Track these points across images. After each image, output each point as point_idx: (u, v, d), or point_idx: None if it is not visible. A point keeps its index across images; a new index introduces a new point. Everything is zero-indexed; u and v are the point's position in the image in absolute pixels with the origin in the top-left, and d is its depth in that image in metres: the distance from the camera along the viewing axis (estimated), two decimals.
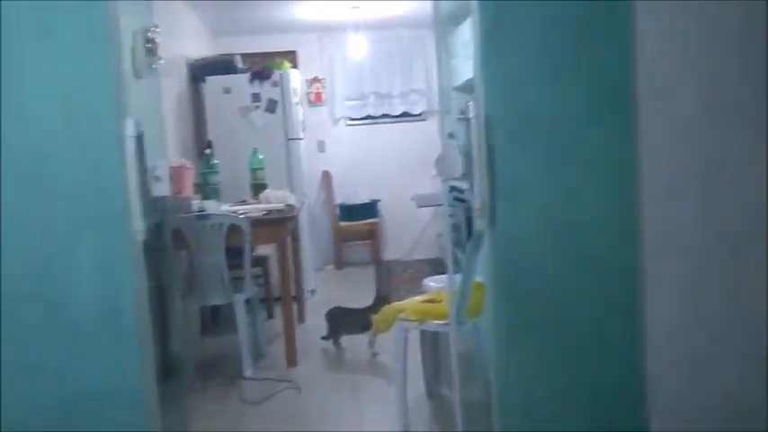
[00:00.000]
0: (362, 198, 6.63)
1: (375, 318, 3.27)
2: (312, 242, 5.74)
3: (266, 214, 3.85)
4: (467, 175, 3.33)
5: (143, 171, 2.47)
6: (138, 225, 2.37)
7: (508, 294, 2.44)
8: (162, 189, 2.96)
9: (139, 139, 2.41)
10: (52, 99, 2.33)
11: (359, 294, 4.87)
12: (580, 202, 2.44)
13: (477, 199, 2.43)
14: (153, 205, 3.04)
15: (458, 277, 2.56)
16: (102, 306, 2.38)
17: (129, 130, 2.31)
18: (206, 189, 4.14)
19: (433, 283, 3.47)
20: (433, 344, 3.09)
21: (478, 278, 2.66)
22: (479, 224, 2.53)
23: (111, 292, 2.38)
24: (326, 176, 6.68)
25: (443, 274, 4.26)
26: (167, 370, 3.25)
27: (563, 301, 2.44)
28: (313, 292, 5.35)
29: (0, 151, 2.30)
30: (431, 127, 6.55)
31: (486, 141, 2.38)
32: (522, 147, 2.42)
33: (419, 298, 3.03)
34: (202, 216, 3.59)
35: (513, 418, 2.46)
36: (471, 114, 2.42)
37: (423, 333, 3.02)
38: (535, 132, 2.42)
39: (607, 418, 2.43)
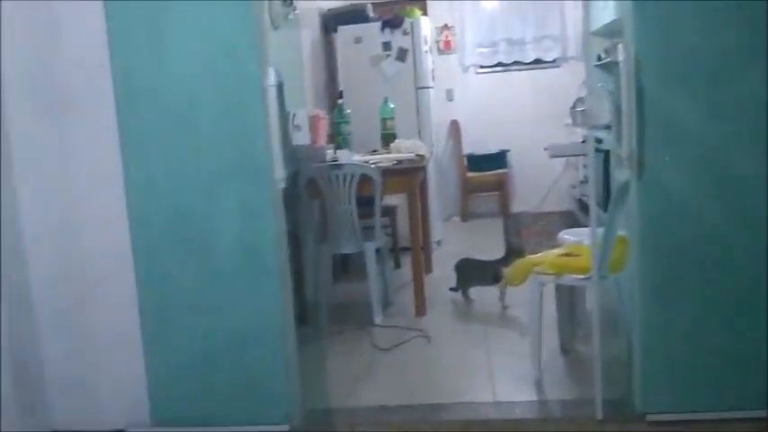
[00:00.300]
0: (491, 148, 6.49)
1: (508, 270, 3.21)
2: (438, 193, 5.71)
3: (397, 164, 3.84)
4: (611, 123, 3.17)
5: (284, 120, 2.51)
6: (279, 173, 2.42)
7: (656, 248, 2.31)
8: (302, 138, 3.01)
9: (280, 88, 2.45)
10: (196, 52, 2.40)
11: (485, 246, 4.81)
12: (741, 149, 2.25)
13: (625, 148, 2.29)
14: (292, 154, 3.11)
15: (600, 230, 2.44)
16: (244, 250, 2.48)
17: (271, 79, 2.35)
18: (338, 139, 4.19)
19: (568, 236, 3.36)
20: (569, 299, 3.00)
21: (621, 232, 2.53)
22: (625, 175, 2.39)
23: (253, 237, 2.47)
24: (455, 126, 6.59)
25: (576, 226, 4.13)
26: (302, 315, 3.35)
27: (718, 256, 2.28)
28: (439, 243, 5.34)
29: (137, 102, 2.42)
30: (565, 74, 6.28)
31: (637, 86, 2.23)
32: (678, 91, 2.25)
33: (555, 251, 2.93)
34: (335, 166, 3.64)
35: (656, 376, 2.35)
36: (620, 58, 2.26)
37: (558, 287, 2.94)
38: (693, 76, 2.24)
39: (757, 380, 2.28)
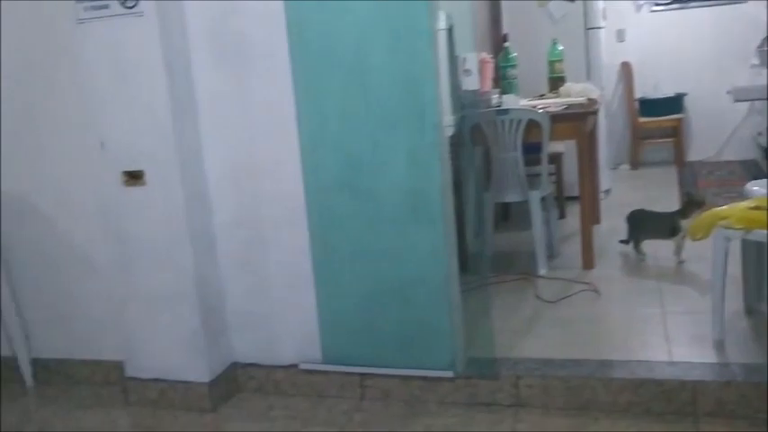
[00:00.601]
0: (665, 91, 6.05)
1: (690, 224, 3.00)
2: (607, 139, 5.42)
3: (566, 109, 3.67)
4: None
5: (453, 65, 2.46)
6: (448, 119, 2.38)
7: None
8: (472, 83, 2.94)
9: (450, 32, 2.39)
10: None
11: (656, 197, 4.53)
12: None
13: None
14: (460, 100, 3.05)
15: None
16: (410, 196, 2.48)
17: (441, 23, 2.29)
18: (504, 83, 4.06)
19: (758, 188, 3.07)
20: (757, 256, 2.75)
21: None
22: None
23: (420, 184, 2.46)
24: (626, 68, 6.19)
25: (761, 177, 3.76)
26: (463, 263, 3.33)
27: None
28: (607, 192, 5.10)
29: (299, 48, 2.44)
30: (751, 9, 5.67)
31: None
32: None
33: (744, 204, 2.68)
34: (501, 111, 3.53)
35: None
36: None
37: (745, 243, 2.70)
38: None
39: None
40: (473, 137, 3.56)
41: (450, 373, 2.50)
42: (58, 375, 3.03)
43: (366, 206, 2.52)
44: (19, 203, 2.90)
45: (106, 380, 2.93)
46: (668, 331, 2.75)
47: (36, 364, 3.05)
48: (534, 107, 3.67)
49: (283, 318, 2.70)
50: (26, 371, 3.03)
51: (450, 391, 2.51)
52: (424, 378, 2.53)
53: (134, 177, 2.53)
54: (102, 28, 2.45)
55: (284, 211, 2.61)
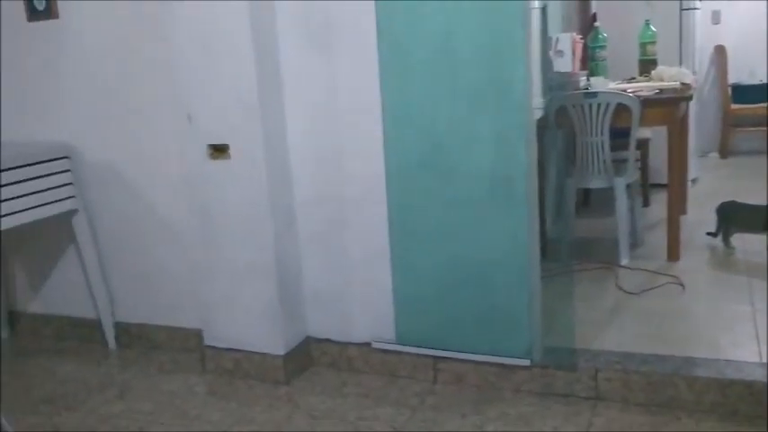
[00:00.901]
0: (762, 77, 5.74)
1: None
2: (696, 126, 5.19)
3: (658, 93, 3.52)
4: None
5: (545, 45, 2.38)
6: (537, 101, 2.30)
7: None
8: (564, 64, 2.84)
9: (543, 11, 2.30)
10: None
11: (747, 188, 4.31)
12: None
13: None
14: (550, 81, 2.96)
15: None
16: (494, 179, 2.42)
17: (534, 2, 2.21)
18: (592, 65, 3.92)
19: None
20: None
21: None
22: None
23: (504, 166, 2.40)
24: (720, 52, 5.90)
25: None
26: (543, 249, 3.26)
27: None
28: (694, 181, 4.90)
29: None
30: None
31: None
32: None
33: None
34: (589, 94, 3.41)
35: None
36: None
37: None
38: None
39: None
40: (557, 119, 3.45)
41: (526, 362, 2.45)
42: (138, 339, 3.13)
43: (447, 187, 2.48)
44: (108, 173, 2.99)
45: (184, 346, 3.00)
46: (758, 330, 2.61)
47: (118, 327, 3.16)
48: (624, 91, 3.53)
49: (358, 296, 2.70)
50: (109, 334, 3.14)
51: (526, 379, 2.46)
52: (499, 365, 2.49)
53: (219, 151, 2.56)
54: (193, 4, 2.47)
55: (364, 190, 2.59)
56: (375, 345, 2.68)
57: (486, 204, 2.44)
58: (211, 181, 2.61)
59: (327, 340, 2.77)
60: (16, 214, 2.66)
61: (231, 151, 2.55)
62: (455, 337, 2.56)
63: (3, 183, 2.60)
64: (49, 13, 2.92)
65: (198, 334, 2.86)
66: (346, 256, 2.68)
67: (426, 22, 2.38)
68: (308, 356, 2.79)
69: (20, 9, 2.97)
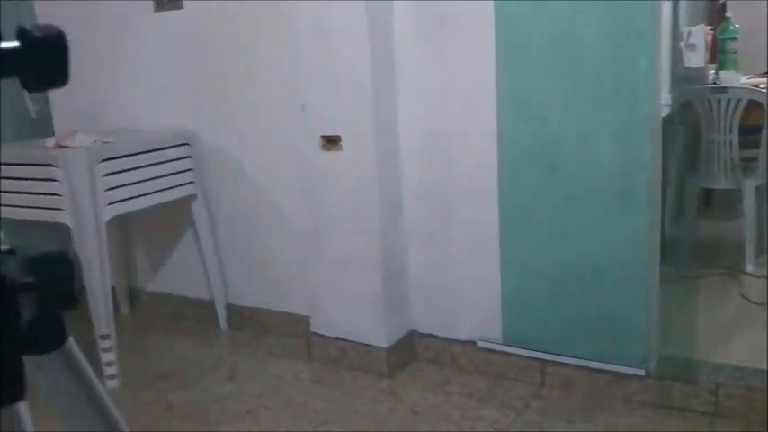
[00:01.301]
0: None
1: None
2: None
3: None
4: None
5: (676, 39, 2.24)
6: (664, 98, 2.18)
7: None
8: (695, 59, 2.68)
9: (676, 3, 2.17)
10: None
11: None
12: None
13: None
14: (679, 77, 2.80)
15: None
16: (614, 176, 2.30)
17: None
18: (722, 58, 3.68)
19: None
20: None
21: None
22: None
23: (626, 164, 2.28)
24: None
25: None
26: (662, 251, 3.10)
27: None
28: None
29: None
30: None
31: None
32: None
33: None
34: (718, 89, 3.20)
35: None
36: None
37: None
38: None
39: None
40: (681, 114, 3.27)
41: (640, 371, 2.34)
42: (249, 322, 3.22)
43: (563, 185, 2.39)
44: (226, 160, 3.08)
45: (292, 332, 3.06)
46: None
47: (230, 309, 3.26)
48: (756, 86, 3.29)
49: (465, 292, 2.66)
50: (221, 315, 3.25)
51: (639, 389, 2.35)
52: (611, 372, 2.38)
53: (331, 142, 2.58)
54: None
55: (475, 184, 2.54)
56: (480, 343, 2.64)
57: (604, 203, 2.34)
58: (322, 172, 2.64)
59: (431, 335, 2.75)
60: (139, 198, 2.79)
61: (343, 143, 2.57)
62: (565, 340, 2.48)
63: (127, 168, 2.73)
64: (174, 3, 3.03)
65: (305, 320, 2.91)
66: (453, 251, 2.65)
67: (547, 10, 2.29)
68: (412, 350, 2.77)
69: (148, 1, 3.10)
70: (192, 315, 3.37)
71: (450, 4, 2.44)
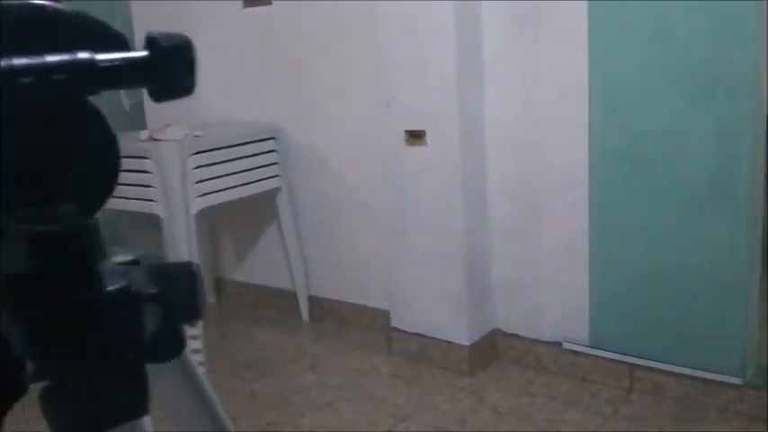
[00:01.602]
0: None
1: None
2: None
3: None
4: None
5: None
6: None
7: None
8: None
9: None
10: None
11: None
12: None
13: None
14: None
15: None
16: (712, 176, 2.19)
17: None
18: None
19: None
20: None
21: None
22: None
23: (725, 162, 2.16)
24: None
25: None
26: (764, 253, 2.94)
27: None
28: None
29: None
30: None
31: None
32: None
33: None
34: None
35: None
36: None
37: None
38: None
39: None
40: None
41: (737, 380, 2.23)
42: (330, 314, 3.24)
43: (657, 182, 2.30)
44: (310, 154, 3.11)
45: (372, 325, 3.07)
46: None
47: (312, 301, 3.30)
48: None
49: (550, 291, 2.59)
50: (303, 307, 3.29)
51: (735, 399, 2.24)
52: (705, 380, 2.28)
53: (415, 137, 2.56)
54: None
55: (563, 180, 2.47)
56: (566, 345, 2.57)
57: (701, 202, 2.23)
58: (407, 166, 2.62)
59: (515, 335, 2.70)
60: (227, 190, 2.85)
61: (427, 137, 2.54)
62: (656, 344, 2.38)
63: (216, 161, 2.79)
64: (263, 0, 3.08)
65: (386, 315, 2.91)
66: (539, 249, 2.59)
67: (643, 8, 2.20)
68: (494, 350, 2.73)
69: None
70: (275, 305, 3.43)
71: (543, 1, 2.38)
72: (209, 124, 3.21)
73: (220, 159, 2.81)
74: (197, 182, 2.72)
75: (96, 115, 0.48)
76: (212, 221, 3.57)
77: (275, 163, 3.07)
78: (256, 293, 3.52)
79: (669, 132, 2.24)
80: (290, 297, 3.33)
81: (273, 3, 3.05)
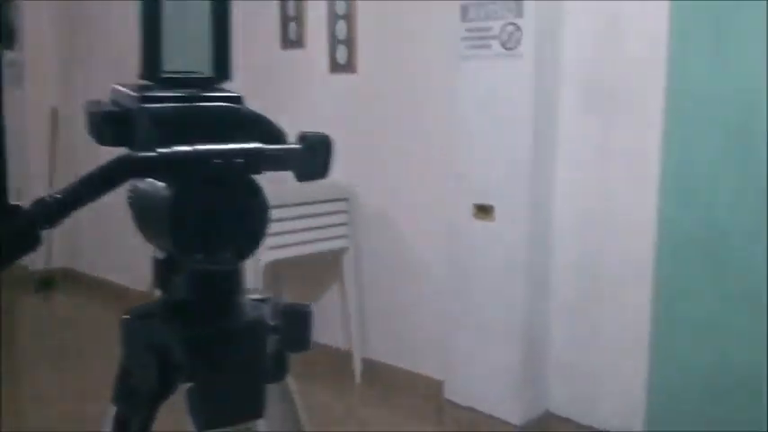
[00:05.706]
0: None
1: None
2: None
3: None
4: None
5: None
6: None
7: None
8: None
9: None
10: (761, 58, 2.14)
11: None
12: None
13: None
14: None
15: None
16: None
17: None
18: None
19: None
20: None
21: None
22: None
23: None
24: None
25: None
26: None
27: None
28: None
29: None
30: None
31: None
32: None
33: None
34: None
35: None
36: None
37: None
38: None
39: None
40: None
41: None
42: (383, 378, 3.25)
43: (726, 277, 2.27)
44: (379, 217, 3.19)
45: (424, 394, 3.06)
46: None
47: (365, 363, 3.31)
48: None
49: (607, 378, 2.55)
50: (357, 368, 3.31)
51: None
52: None
53: (484, 211, 2.61)
54: (482, 66, 2.58)
55: (628, 267, 2.47)
56: None
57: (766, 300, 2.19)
58: (472, 239, 2.67)
59: (568, 420, 2.66)
60: (296, 245, 2.94)
61: (495, 212, 2.59)
62: None
63: (290, 216, 2.89)
64: (349, 67, 3.23)
65: (438, 384, 2.90)
66: (599, 334, 2.57)
67: (722, 105, 2.23)
68: None
69: (324, 63, 3.32)
70: (327, 362, 3.45)
71: (621, 83, 2.44)
72: (287, 180, 3.33)
73: (294, 215, 2.91)
74: (270, 235, 2.81)
75: (258, 189, 0.67)
76: (278, 273, 3.66)
77: (345, 223, 3.16)
78: (312, 350, 3.54)
79: (740, 226, 2.23)
80: (345, 356, 3.35)
81: (358, 71, 3.20)
